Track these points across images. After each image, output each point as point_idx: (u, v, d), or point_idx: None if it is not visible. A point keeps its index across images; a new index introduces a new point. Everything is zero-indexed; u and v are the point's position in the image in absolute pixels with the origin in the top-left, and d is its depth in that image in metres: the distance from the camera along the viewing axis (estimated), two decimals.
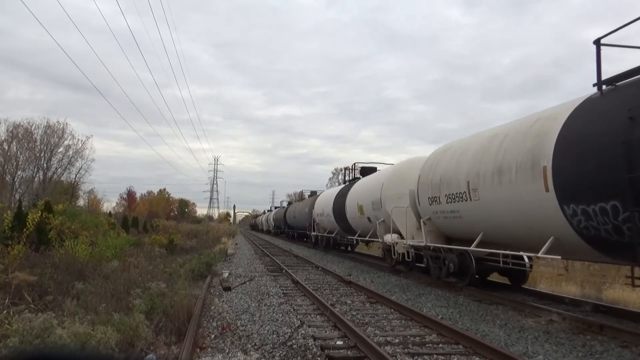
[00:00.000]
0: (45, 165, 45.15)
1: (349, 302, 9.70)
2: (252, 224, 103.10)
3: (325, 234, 25.74)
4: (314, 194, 36.25)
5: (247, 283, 12.32)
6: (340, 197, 21.39)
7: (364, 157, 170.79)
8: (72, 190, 45.25)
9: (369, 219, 17.08)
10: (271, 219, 58.98)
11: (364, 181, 19.41)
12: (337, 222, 22.17)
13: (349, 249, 25.99)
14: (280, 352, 5.91)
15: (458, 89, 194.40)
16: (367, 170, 21.04)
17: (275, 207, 67.21)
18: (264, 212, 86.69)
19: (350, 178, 23.14)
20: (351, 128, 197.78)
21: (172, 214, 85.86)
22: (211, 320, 7.65)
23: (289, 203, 49.79)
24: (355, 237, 19.99)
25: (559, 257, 7.92)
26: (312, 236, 28.64)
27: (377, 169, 20.41)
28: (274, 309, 8.72)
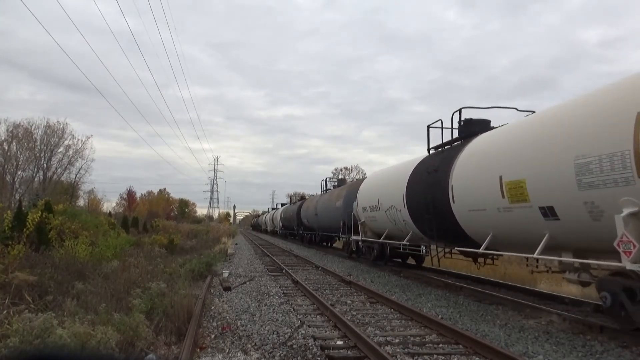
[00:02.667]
0: (45, 165, 45.24)
1: (349, 302, 9.70)
2: (254, 223, 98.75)
3: (379, 240, 15.90)
4: (342, 183, 28.46)
5: (247, 283, 12.32)
6: (430, 175, 11.58)
7: (365, 158, 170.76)
8: (72, 190, 45.29)
9: (547, 210, 7.47)
10: (278, 218, 49.37)
11: (522, 127, 8.81)
12: (418, 221, 12.49)
13: (401, 261, 16.92)
14: (281, 352, 5.92)
15: (457, 90, 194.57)
16: (475, 126, 11.10)
17: (282, 204, 58.98)
18: (268, 210, 77.81)
19: (450, 139, 11.99)
20: (352, 128, 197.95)
21: (172, 214, 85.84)
22: (211, 320, 7.65)
23: (302, 198, 42.16)
24: (481, 250, 9.52)
25: None
26: (352, 242, 19.05)
27: (491, 124, 11.24)
28: (274, 309, 8.72)
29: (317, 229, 28.51)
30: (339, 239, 25.31)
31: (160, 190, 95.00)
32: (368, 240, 17.24)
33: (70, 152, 46.73)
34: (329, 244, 29.86)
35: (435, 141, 12.85)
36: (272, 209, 70.99)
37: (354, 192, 18.97)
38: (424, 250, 13.27)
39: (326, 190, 29.61)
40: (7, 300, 6.73)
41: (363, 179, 20.66)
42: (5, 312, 6.02)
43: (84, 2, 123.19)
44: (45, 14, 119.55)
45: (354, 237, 18.52)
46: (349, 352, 6.02)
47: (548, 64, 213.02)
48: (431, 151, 13.06)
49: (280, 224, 46.84)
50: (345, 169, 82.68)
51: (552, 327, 7.51)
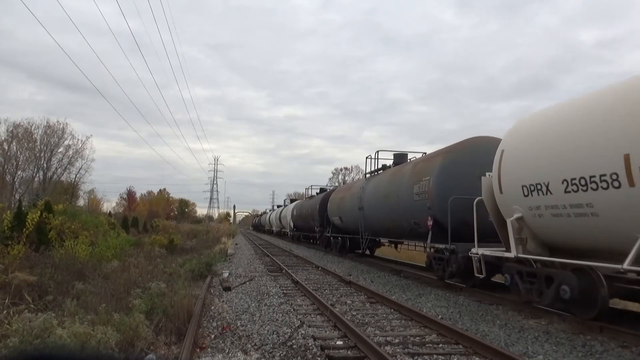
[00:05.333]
0: (45, 165, 45.28)
1: (349, 302, 9.70)
2: (255, 223, 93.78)
3: (595, 264, 7.00)
4: (402, 159, 16.78)
5: (247, 283, 12.32)
6: None
7: None
8: (72, 190, 45.33)
9: None
10: (288, 217, 38.93)
11: None
12: None
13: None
14: (280, 352, 5.92)
15: (457, 90, 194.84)
16: None
17: (292, 200, 50.18)
18: (273, 208, 69.01)
19: None
20: (354, 128, 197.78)
21: (172, 214, 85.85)
22: (211, 320, 7.65)
23: (322, 190, 32.40)
24: None
25: None
26: (475, 261, 9.78)
27: None
28: (274, 309, 8.72)
29: (364, 232, 18.32)
30: (390, 247, 18.84)
31: (160, 190, 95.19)
32: (537, 260, 8.25)
33: (70, 152, 46.86)
34: (365, 252, 21.06)
35: None
36: (278, 206, 63.27)
37: (479, 158, 10.81)
38: None
39: (376, 171, 18.61)
40: (7, 300, 6.73)
41: (490, 137, 11.55)
42: (5, 312, 6.02)
43: (82, 2, 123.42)
44: (46, 15, 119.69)
45: (484, 252, 9.53)
46: (348, 352, 6.02)
47: (546, 64, 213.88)
48: None
49: (292, 224, 37.07)
50: (345, 168, 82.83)
51: (552, 327, 7.52)
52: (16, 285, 7.73)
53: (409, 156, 16.95)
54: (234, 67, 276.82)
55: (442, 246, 11.47)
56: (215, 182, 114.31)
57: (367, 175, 19.28)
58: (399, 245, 18.25)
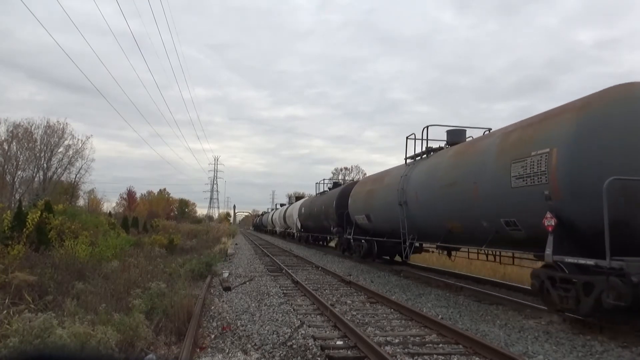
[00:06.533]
0: (45, 165, 45.27)
1: (349, 302, 9.70)
2: (256, 223, 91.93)
3: None
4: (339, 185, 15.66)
5: (247, 283, 12.32)
6: None
7: (368, 158, 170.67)
8: (72, 190, 45.32)
9: None
10: (294, 216, 34.93)
11: None
12: None
13: None
14: (280, 352, 5.92)
15: (456, 90, 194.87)
16: None
17: (297, 199, 45.74)
18: (275, 207, 65.35)
19: None
20: (354, 129, 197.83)
21: (172, 214, 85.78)
22: (211, 320, 7.65)
23: (336, 185, 28.73)
24: None
25: None
26: None
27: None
28: (274, 309, 8.72)
29: (407, 234, 13.61)
30: (440, 255, 14.90)
31: (160, 190, 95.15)
32: None
33: (70, 152, 46.85)
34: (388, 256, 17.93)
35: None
36: (281, 204, 59.57)
37: None
38: None
39: (421, 155, 14.12)
40: (7, 300, 6.73)
41: None
42: (5, 312, 6.02)
43: (82, 2, 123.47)
44: (46, 15, 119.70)
45: None
46: (348, 352, 6.02)
47: (545, 64, 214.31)
48: None
49: (299, 225, 33.29)
50: (345, 169, 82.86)
51: (552, 327, 7.52)
52: (16, 285, 7.73)
53: (467, 133, 13.00)
54: (234, 67, 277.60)
55: (588, 262, 6.69)
56: (215, 182, 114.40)
57: (409, 161, 14.71)
58: (453, 253, 13.39)
